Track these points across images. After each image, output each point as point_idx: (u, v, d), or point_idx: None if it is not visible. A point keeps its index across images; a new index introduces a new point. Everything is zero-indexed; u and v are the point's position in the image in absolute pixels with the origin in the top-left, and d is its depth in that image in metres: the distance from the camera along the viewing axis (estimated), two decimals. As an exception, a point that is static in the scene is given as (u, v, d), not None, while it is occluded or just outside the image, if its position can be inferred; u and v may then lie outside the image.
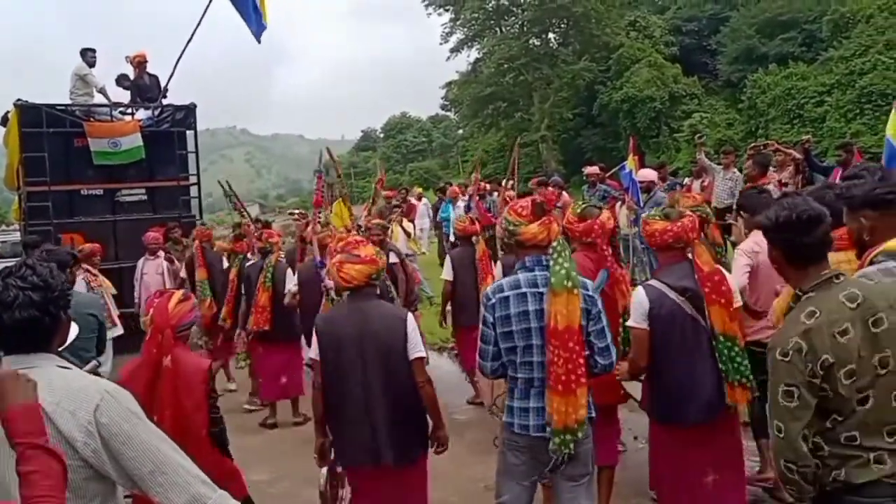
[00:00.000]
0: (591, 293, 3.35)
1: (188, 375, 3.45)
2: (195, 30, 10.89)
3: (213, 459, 3.30)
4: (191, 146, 11.31)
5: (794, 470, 2.36)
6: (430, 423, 3.81)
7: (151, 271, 8.58)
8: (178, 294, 3.68)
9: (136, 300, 8.49)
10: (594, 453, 3.45)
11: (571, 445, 3.19)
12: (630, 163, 10.06)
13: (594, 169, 11.28)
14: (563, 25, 36.90)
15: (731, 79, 32.08)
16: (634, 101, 31.64)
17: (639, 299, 3.66)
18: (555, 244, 3.32)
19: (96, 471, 1.94)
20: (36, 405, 1.69)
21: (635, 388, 4.01)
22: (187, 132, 11.23)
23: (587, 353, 3.29)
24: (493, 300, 3.34)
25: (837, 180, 8.30)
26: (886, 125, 7.47)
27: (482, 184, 11.81)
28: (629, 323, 3.71)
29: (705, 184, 9.91)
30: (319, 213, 6.94)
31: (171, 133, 10.96)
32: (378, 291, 3.91)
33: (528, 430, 3.29)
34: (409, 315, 3.78)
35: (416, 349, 3.65)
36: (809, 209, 2.46)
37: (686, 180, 11.49)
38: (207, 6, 10.66)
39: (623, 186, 10.63)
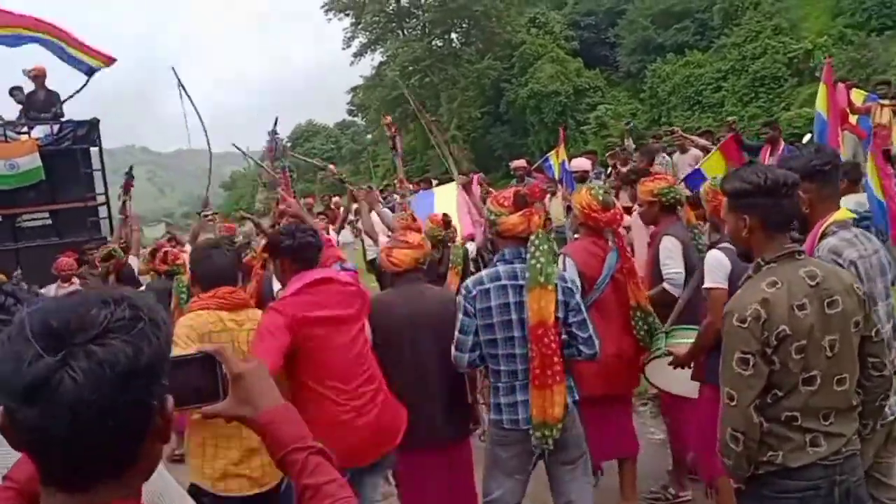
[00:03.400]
0: (569, 285, 3.33)
1: None
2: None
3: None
4: (96, 164, 10.64)
5: (740, 441, 2.32)
6: None
7: (67, 300, 7.97)
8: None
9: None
10: (587, 435, 3.48)
11: (551, 440, 3.19)
12: (561, 154, 10.08)
13: (521, 162, 11.28)
14: (464, 25, 37.09)
15: (632, 69, 32.95)
16: (540, 96, 32.07)
17: (719, 259, 3.50)
18: (533, 237, 3.26)
19: None
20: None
21: (660, 377, 3.92)
22: (91, 149, 10.56)
23: (572, 344, 3.30)
24: (474, 292, 3.31)
25: (767, 158, 8.57)
26: (816, 99, 7.69)
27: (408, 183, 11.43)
28: (707, 284, 3.53)
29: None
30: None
31: (73, 151, 10.27)
32: (424, 276, 3.91)
33: (519, 423, 3.28)
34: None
35: None
36: (788, 173, 2.43)
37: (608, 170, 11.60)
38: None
39: (549, 178, 10.64)
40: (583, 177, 9.29)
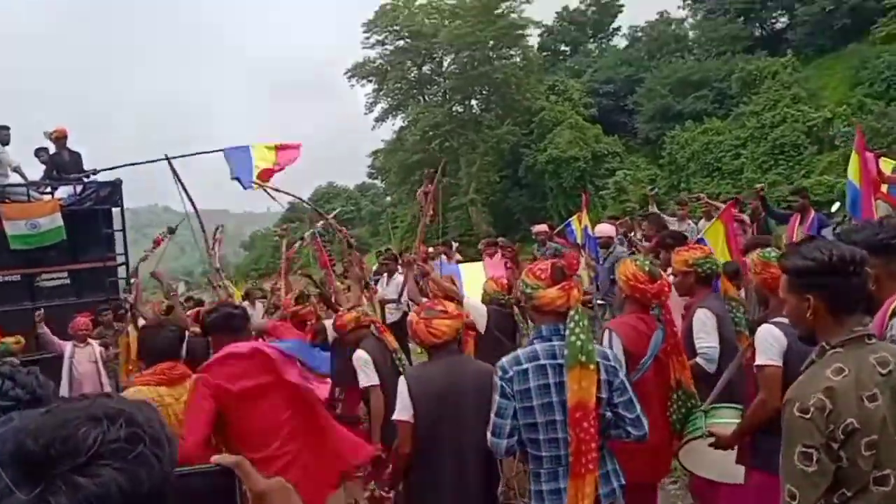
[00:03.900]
0: (612, 363, 3.10)
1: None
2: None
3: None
4: (117, 224, 10.62)
5: None
6: None
7: (84, 360, 7.83)
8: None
9: (66, 395, 7.73)
10: None
11: None
12: (584, 219, 9.97)
13: (542, 227, 11.12)
14: (484, 92, 37.63)
15: (650, 136, 33.16)
16: (559, 161, 32.25)
17: (774, 335, 3.28)
18: (572, 312, 3.05)
19: None
20: None
21: (698, 461, 3.67)
22: (113, 209, 10.56)
23: (619, 425, 3.07)
24: (511, 373, 3.07)
25: (797, 227, 8.41)
26: (847, 169, 7.57)
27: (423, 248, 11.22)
28: (760, 361, 3.30)
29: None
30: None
31: (95, 211, 10.25)
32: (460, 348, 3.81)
33: None
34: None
35: None
36: (855, 249, 2.24)
37: (636, 234, 11.44)
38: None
39: (571, 243, 10.52)
40: (607, 242, 9.11)
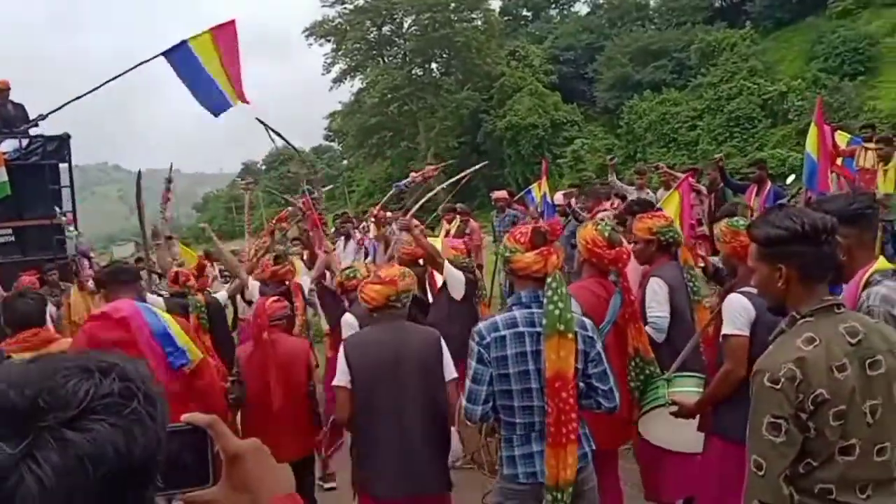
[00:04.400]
0: (590, 333, 3.03)
1: (291, 352, 4.35)
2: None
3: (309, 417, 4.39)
4: (65, 180, 10.25)
5: None
6: None
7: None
8: (272, 298, 4.55)
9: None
10: (600, 493, 3.19)
11: (566, 502, 2.88)
12: (543, 186, 9.93)
13: (502, 193, 11.05)
14: (445, 55, 37.35)
15: (609, 105, 33.31)
16: (518, 128, 32.25)
17: (743, 305, 3.23)
18: (549, 280, 2.96)
19: None
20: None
21: (659, 429, 3.66)
22: (60, 165, 10.17)
23: (590, 395, 3.02)
24: (488, 339, 2.99)
25: (753, 198, 8.51)
26: (806, 142, 7.64)
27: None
28: (727, 331, 3.25)
29: (615, 206, 9.89)
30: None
31: (41, 166, 9.84)
32: (405, 313, 3.66)
33: (537, 476, 2.95)
34: (440, 335, 3.61)
35: (451, 370, 3.51)
36: (827, 217, 2.20)
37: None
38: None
39: (530, 210, 10.50)
40: (565, 210, 9.12)
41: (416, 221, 6.27)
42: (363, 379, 3.44)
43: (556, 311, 2.89)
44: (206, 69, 8.42)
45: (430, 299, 5.95)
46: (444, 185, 7.40)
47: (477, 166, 8.10)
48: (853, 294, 2.57)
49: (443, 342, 3.56)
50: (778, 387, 2.05)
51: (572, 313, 2.95)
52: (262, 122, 7.48)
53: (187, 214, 57.36)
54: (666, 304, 4.16)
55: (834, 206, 2.56)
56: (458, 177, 7.44)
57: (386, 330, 3.54)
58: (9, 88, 9.96)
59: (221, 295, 6.53)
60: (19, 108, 10.11)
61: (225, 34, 8.68)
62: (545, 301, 2.94)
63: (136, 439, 0.72)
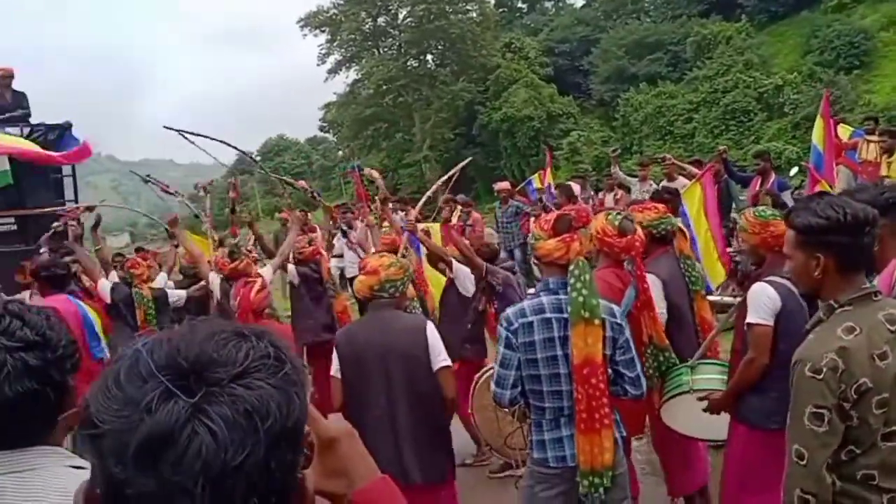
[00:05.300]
0: (618, 320, 3.08)
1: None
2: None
3: None
4: (67, 170, 10.20)
5: (810, 503, 2.08)
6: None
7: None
8: (257, 284, 4.50)
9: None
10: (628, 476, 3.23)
11: (602, 488, 2.91)
12: (547, 177, 9.97)
13: (505, 185, 11.08)
14: (440, 47, 37.17)
15: (604, 98, 33.28)
16: (513, 120, 32.18)
17: (769, 294, 3.27)
18: (572, 267, 3.00)
19: None
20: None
21: (682, 418, 3.68)
22: (62, 154, 10.13)
23: (617, 382, 3.06)
24: (516, 325, 3.04)
25: (757, 189, 8.54)
26: (801, 134, 7.69)
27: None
28: (752, 319, 3.29)
29: (618, 197, 9.95)
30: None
31: (43, 155, 9.84)
32: (395, 303, 3.65)
33: (566, 460, 3.00)
34: (429, 322, 3.62)
35: (441, 358, 3.49)
36: (868, 208, 2.22)
37: (599, 194, 11.52)
38: None
39: (531, 201, 10.53)
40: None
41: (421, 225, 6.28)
42: (351, 370, 3.52)
43: (580, 299, 2.94)
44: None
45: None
46: (439, 182, 7.37)
47: (464, 162, 8.01)
48: (887, 283, 2.60)
49: (431, 329, 3.56)
50: (820, 377, 2.07)
51: (597, 300, 2.97)
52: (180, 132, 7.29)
53: (180, 203, 57.12)
54: (662, 300, 4.19)
55: (865, 197, 2.58)
56: (449, 174, 7.41)
57: (373, 320, 3.60)
58: (12, 76, 9.89)
59: (179, 292, 6.69)
60: (20, 95, 10.05)
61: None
62: (569, 288, 2.98)
63: (292, 400, 0.74)
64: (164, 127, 7.10)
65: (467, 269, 5.45)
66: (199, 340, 0.74)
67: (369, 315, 3.63)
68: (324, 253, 6.91)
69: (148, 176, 8.38)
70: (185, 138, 7.19)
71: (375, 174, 6.96)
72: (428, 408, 3.49)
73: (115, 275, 7.28)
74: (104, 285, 6.11)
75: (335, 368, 3.57)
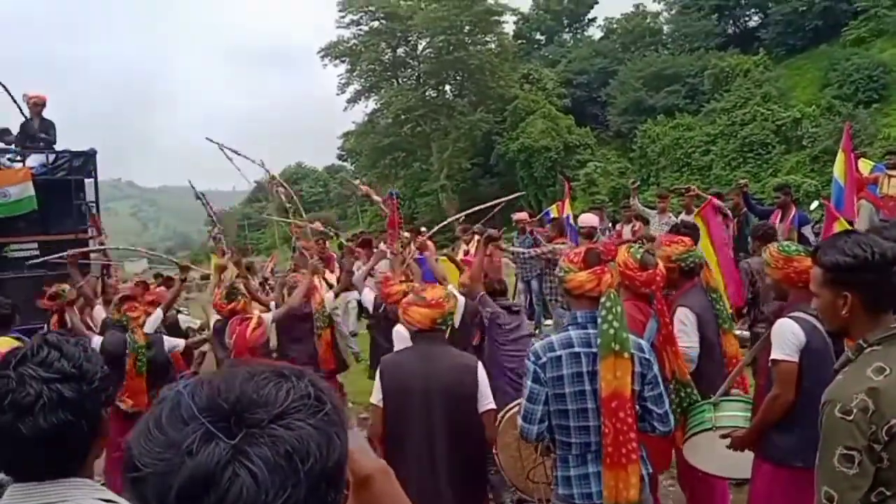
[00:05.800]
0: (647, 356, 3.06)
1: None
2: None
3: None
4: (90, 196, 10.34)
5: None
6: None
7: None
8: (253, 322, 4.55)
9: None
10: None
11: None
12: (566, 208, 9.97)
13: (523, 215, 11.03)
14: (458, 77, 37.55)
15: (622, 129, 33.37)
16: (531, 150, 32.32)
17: (794, 331, 3.24)
18: (604, 299, 2.99)
19: None
20: None
21: (705, 455, 3.64)
22: (86, 180, 10.26)
23: (645, 418, 3.05)
24: (544, 359, 3.03)
25: (778, 223, 8.50)
26: (833, 167, 7.67)
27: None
28: (776, 356, 3.26)
29: (636, 228, 9.92)
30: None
31: (67, 182, 9.93)
32: (446, 336, 3.70)
33: (592, 497, 2.96)
34: (479, 364, 3.61)
35: (487, 401, 3.51)
36: (895, 247, 2.21)
37: (617, 226, 11.50)
38: None
39: (548, 232, 10.52)
40: (590, 232, 9.09)
41: (430, 243, 6.34)
42: (392, 402, 3.52)
43: (612, 331, 2.92)
44: None
45: None
46: (469, 212, 7.46)
47: (506, 198, 8.12)
48: None
49: (481, 371, 3.57)
50: (850, 418, 2.03)
51: (627, 333, 2.97)
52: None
53: (199, 231, 57.61)
54: (695, 334, 4.18)
55: (893, 234, 2.56)
56: (488, 204, 7.53)
57: (420, 353, 3.58)
58: (44, 104, 10.06)
59: (177, 341, 6.27)
60: (48, 123, 10.21)
61: None
62: (600, 321, 2.97)
63: (332, 441, 0.75)
64: (206, 139, 7.42)
65: (461, 298, 5.43)
66: (240, 381, 0.75)
67: (419, 346, 3.61)
68: (318, 284, 6.88)
69: (201, 194, 8.52)
70: (224, 153, 7.51)
71: (373, 193, 7.07)
72: (468, 445, 3.49)
73: (100, 310, 7.17)
74: (95, 341, 5.72)
75: (377, 398, 3.57)
